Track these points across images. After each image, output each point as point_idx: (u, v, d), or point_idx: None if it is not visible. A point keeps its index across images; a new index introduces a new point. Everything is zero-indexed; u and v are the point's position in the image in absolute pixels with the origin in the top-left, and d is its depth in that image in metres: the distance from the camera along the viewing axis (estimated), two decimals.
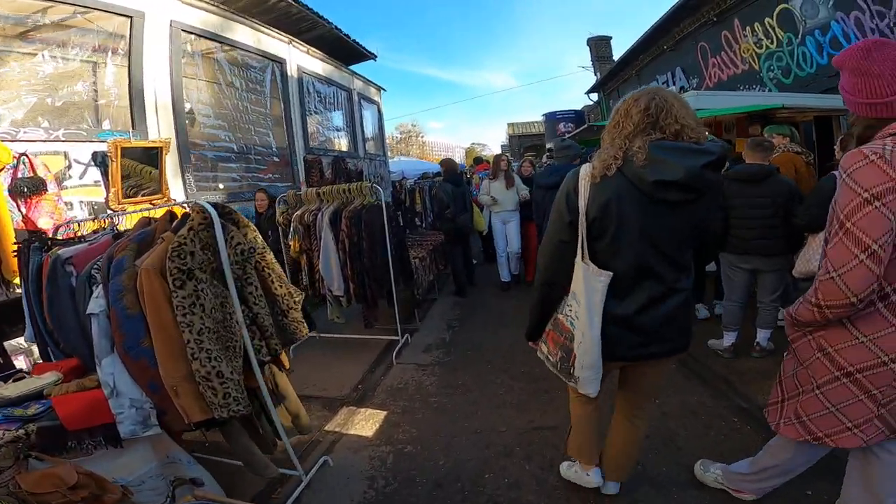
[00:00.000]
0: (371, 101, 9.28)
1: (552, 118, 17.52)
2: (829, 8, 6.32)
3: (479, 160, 9.16)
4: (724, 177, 3.05)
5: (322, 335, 4.15)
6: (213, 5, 4.88)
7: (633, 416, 1.80)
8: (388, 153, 10.53)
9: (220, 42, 5.07)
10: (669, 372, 3.02)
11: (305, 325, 2.08)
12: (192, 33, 4.71)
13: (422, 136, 37.64)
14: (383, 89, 9.81)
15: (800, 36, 6.93)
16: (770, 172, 2.90)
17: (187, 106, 4.36)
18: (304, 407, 3.12)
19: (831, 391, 1.32)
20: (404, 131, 35.95)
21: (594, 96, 17.50)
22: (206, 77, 4.81)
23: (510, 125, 26.12)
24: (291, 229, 3.63)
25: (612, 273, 1.41)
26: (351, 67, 8.64)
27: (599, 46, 17.75)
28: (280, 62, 5.96)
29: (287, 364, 2.26)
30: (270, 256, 1.99)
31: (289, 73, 6.10)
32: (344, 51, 8.21)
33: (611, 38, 17.92)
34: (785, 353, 1.56)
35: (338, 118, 7.72)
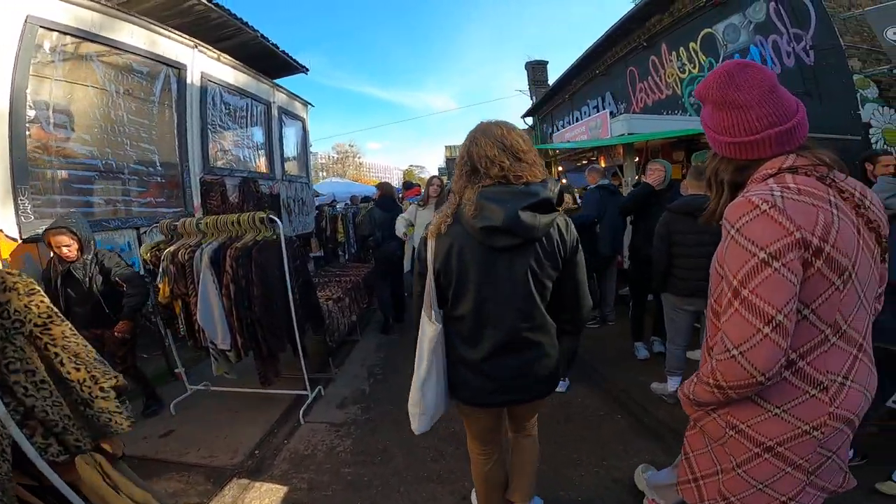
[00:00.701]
0: (295, 118, 8.53)
1: None
2: (749, 32, 6.57)
3: (409, 185, 8.49)
4: (666, 209, 2.82)
5: (214, 388, 3.44)
6: (93, 0, 4.10)
7: (519, 433, 1.87)
8: (317, 174, 9.78)
9: (97, 42, 4.26)
10: (616, 424, 2.77)
11: (123, 416, 1.50)
12: (55, 31, 3.88)
13: (359, 157, 37.03)
14: (310, 104, 9.11)
15: (721, 60, 7.13)
16: None
17: (31, 114, 3.51)
18: (181, 479, 2.49)
19: (754, 468, 1.13)
20: (341, 151, 35.14)
21: (529, 120, 17.86)
22: (67, 80, 3.96)
23: (448, 147, 26.25)
24: (161, 269, 2.90)
25: (440, 326, 1.46)
26: (281, 81, 7.94)
27: (536, 71, 18.27)
28: (178, 67, 5.15)
29: (118, 451, 1.66)
30: (61, 330, 1.36)
31: (188, 81, 5.27)
32: (272, 62, 7.52)
33: (547, 62, 18.57)
34: (688, 429, 1.38)
35: (252, 134, 6.91)
